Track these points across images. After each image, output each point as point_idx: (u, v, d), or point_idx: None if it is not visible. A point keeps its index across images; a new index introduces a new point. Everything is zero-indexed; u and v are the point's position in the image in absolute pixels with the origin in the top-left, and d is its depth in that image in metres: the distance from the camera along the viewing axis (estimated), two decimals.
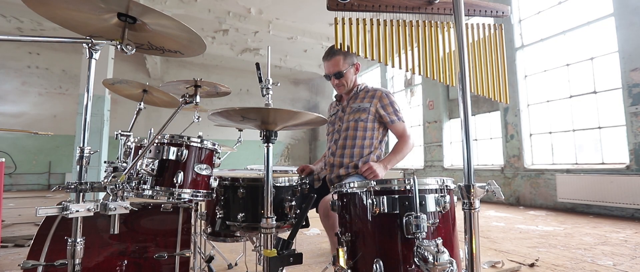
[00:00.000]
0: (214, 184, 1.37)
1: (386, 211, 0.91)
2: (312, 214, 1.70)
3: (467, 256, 0.84)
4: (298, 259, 1.05)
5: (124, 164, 1.35)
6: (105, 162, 1.67)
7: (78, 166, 0.99)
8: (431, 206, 0.93)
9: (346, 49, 1.07)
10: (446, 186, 0.98)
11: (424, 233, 0.86)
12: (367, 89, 1.86)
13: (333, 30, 1.09)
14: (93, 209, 0.92)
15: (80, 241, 0.95)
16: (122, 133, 1.45)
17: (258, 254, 1.58)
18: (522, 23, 6.14)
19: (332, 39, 7.27)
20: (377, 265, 0.88)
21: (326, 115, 2.12)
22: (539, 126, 5.84)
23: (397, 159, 1.72)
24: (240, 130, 2.47)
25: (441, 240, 0.82)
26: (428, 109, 8.02)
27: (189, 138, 1.32)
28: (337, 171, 1.77)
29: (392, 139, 1.86)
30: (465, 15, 0.98)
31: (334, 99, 2.05)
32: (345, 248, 1.00)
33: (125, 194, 1.01)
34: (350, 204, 1.03)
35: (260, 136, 1.19)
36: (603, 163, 4.86)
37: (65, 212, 0.87)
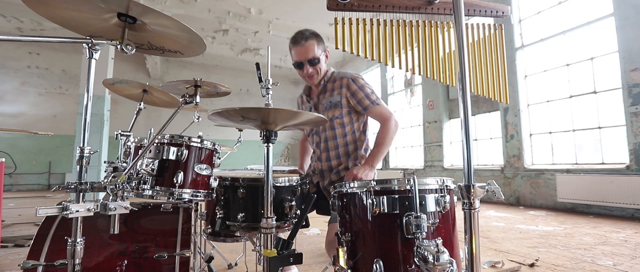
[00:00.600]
0: (214, 184, 1.37)
1: (386, 211, 0.91)
2: (312, 213, 1.69)
3: (467, 256, 0.84)
4: (298, 259, 1.05)
5: (124, 164, 1.35)
6: (105, 162, 1.67)
7: (78, 166, 0.99)
8: (431, 206, 0.93)
9: (346, 49, 1.07)
10: (446, 186, 0.98)
11: (424, 233, 0.86)
12: (335, 78, 1.70)
13: (333, 30, 1.09)
14: (93, 209, 0.92)
15: (80, 241, 0.95)
16: (122, 133, 1.45)
17: (258, 254, 1.58)
18: (522, 23, 6.14)
19: (332, 39, 7.28)
20: (377, 265, 0.88)
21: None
22: (539, 126, 5.84)
23: (383, 150, 1.60)
24: (240, 130, 2.47)
25: (441, 240, 0.82)
26: (428, 109, 8.02)
27: (189, 138, 1.32)
28: (329, 177, 1.69)
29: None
30: (465, 15, 0.98)
31: (303, 95, 1.86)
32: (345, 248, 1.00)
33: (125, 194, 1.01)
34: (350, 204, 1.03)
35: (260, 136, 1.19)
36: (603, 163, 4.86)
37: (65, 212, 0.87)
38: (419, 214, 0.87)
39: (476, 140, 7.17)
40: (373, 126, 1.79)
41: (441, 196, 0.95)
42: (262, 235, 1.13)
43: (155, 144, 1.27)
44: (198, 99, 1.34)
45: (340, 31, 1.06)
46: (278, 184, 1.38)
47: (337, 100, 1.65)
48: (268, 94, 1.24)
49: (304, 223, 1.37)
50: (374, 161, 1.57)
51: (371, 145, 1.71)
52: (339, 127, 1.66)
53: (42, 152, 9.53)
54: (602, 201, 4.46)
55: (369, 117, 1.74)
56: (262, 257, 1.07)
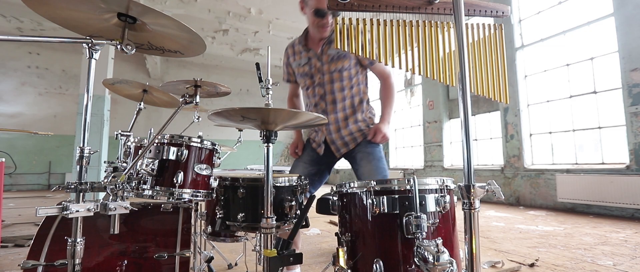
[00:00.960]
0: (214, 184, 1.37)
1: (386, 211, 0.91)
2: (312, 214, 1.69)
3: (467, 256, 0.84)
4: (298, 259, 1.05)
5: (124, 164, 1.35)
6: (105, 162, 1.67)
7: (78, 166, 0.99)
8: (431, 206, 0.93)
9: (346, 49, 1.07)
10: (446, 186, 0.98)
11: (424, 233, 0.86)
12: None
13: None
14: (93, 209, 0.92)
15: (80, 241, 0.95)
16: (122, 133, 1.44)
17: (258, 254, 1.58)
18: (522, 23, 6.14)
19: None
20: (377, 265, 0.88)
21: (284, 63, 1.92)
22: (539, 126, 5.84)
23: (393, 106, 1.69)
24: (240, 130, 2.47)
25: (441, 240, 0.82)
26: (428, 109, 8.02)
27: (189, 138, 1.32)
28: (337, 132, 1.68)
29: None
30: (465, 15, 0.98)
31: (296, 45, 1.81)
32: (345, 248, 1.00)
33: (125, 194, 1.01)
34: (350, 204, 1.03)
35: (260, 136, 1.19)
36: (603, 163, 4.86)
37: (65, 212, 0.87)
38: (419, 214, 0.87)
39: (476, 140, 7.17)
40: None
41: (441, 196, 0.95)
42: (262, 235, 1.13)
43: (155, 144, 1.27)
44: (198, 99, 1.34)
45: (340, 31, 1.06)
46: (278, 184, 1.38)
47: (345, 52, 1.64)
48: (268, 94, 1.24)
49: (304, 223, 1.37)
50: (390, 117, 1.67)
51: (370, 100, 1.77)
52: (347, 79, 1.66)
53: (42, 152, 9.52)
54: (602, 201, 4.46)
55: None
56: (262, 257, 1.07)
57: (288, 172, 1.85)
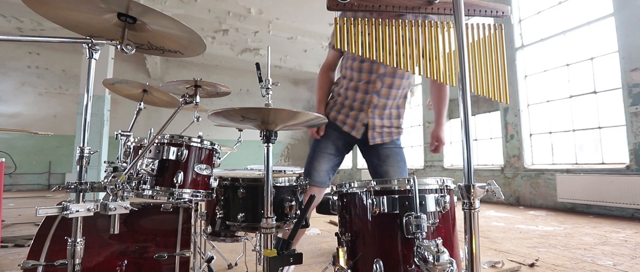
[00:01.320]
0: (214, 184, 1.37)
1: (386, 210, 0.92)
2: (312, 214, 1.69)
3: (467, 256, 0.84)
4: (298, 259, 1.05)
5: (124, 164, 1.35)
6: (105, 162, 1.67)
7: (78, 166, 0.99)
8: (431, 206, 0.93)
9: (346, 49, 1.07)
10: (446, 186, 0.98)
11: (424, 233, 0.86)
12: None
13: (333, 30, 1.09)
14: (93, 209, 0.92)
15: (80, 241, 0.95)
16: (122, 133, 1.45)
17: (258, 254, 1.58)
18: (522, 23, 6.14)
19: None
20: (377, 265, 0.88)
21: (331, 34, 1.75)
22: (539, 126, 5.84)
23: (446, 110, 1.60)
24: (240, 130, 2.47)
25: (441, 240, 0.82)
26: (428, 109, 8.02)
27: (189, 138, 1.32)
28: (381, 119, 1.57)
29: None
30: (465, 15, 0.98)
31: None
32: (345, 248, 1.00)
33: (125, 194, 1.01)
34: (350, 204, 1.03)
35: (260, 136, 1.19)
36: (603, 163, 4.86)
37: (65, 212, 0.87)
38: (419, 214, 0.87)
39: (476, 140, 7.17)
40: None
41: (441, 196, 0.95)
42: (262, 235, 1.13)
43: (155, 144, 1.27)
44: (198, 99, 1.34)
45: (340, 31, 1.06)
46: (278, 184, 1.38)
47: None
48: (268, 94, 1.24)
49: (304, 223, 1.37)
50: (444, 120, 1.60)
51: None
52: (405, 71, 1.56)
53: (42, 152, 9.52)
54: (602, 201, 4.46)
55: None
56: (262, 257, 1.07)
57: (304, 162, 1.78)
